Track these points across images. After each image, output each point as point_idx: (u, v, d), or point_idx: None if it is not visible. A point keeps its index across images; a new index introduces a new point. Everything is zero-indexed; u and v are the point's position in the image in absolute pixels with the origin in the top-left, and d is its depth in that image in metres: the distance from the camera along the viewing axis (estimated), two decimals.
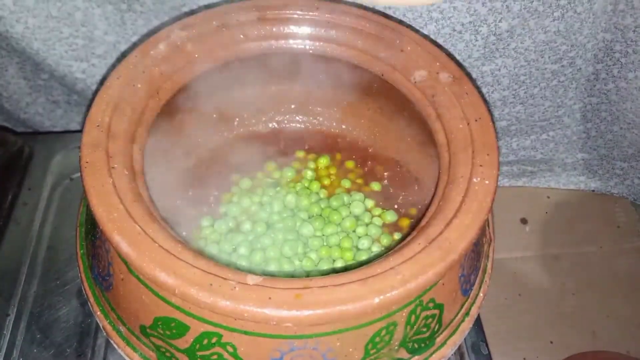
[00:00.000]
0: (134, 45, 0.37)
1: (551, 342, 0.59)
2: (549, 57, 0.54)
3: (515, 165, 0.68)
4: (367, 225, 0.42)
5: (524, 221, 0.67)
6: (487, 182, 0.31)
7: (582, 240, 0.66)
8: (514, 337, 0.59)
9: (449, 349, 0.33)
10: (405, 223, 0.43)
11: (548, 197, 0.70)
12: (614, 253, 0.65)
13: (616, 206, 0.69)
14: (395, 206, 0.44)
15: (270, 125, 0.48)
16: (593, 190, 0.70)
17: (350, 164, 0.46)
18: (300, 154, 0.46)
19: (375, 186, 0.45)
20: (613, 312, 0.61)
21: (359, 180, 0.45)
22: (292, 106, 0.47)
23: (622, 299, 0.62)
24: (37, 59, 0.53)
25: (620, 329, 0.60)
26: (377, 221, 0.43)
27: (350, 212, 0.42)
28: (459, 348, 0.43)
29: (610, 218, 0.68)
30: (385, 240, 0.41)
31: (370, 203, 0.44)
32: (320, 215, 0.42)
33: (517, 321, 0.60)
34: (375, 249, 0.41)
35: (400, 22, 0.40)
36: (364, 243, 0.41)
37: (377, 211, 0.43)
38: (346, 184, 0.45)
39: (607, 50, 0.54)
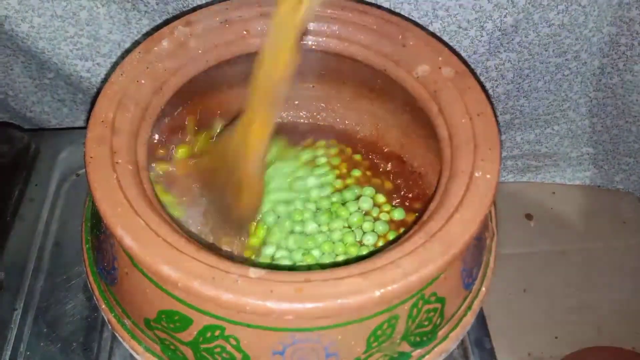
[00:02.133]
0: (138, 44, 0.37)
1: (556, 338, 0.59)
2: (554, 50, 0.53)
3: (519, 160, 0.68)
4: (374, 221, 0.42)
5: (529, 217, 0.67)
6: (488, 176, 0.31)
7: (587, 235, 0.66)
8: (519, 332, 0.59)
9: (451, 343, 0.33)
10: (411, 218, 0.43)
11: (553, 193, 0.69)
12: (620, 249, 0.65)
13: (622, 201, 0.68)
14: (403, 201, 0.44)
15: None
16: (599, 186, 0.70)
17: (357, 157, 0.46)
18: (309, 141, 0.46)
19: (387, 185, 0.44)
20: (618, 307, 0.61)
21: (368, 172, 0.46)
22: (296, 102, 0.47)
23: (627, 295, 0.62)
24: (42, 58, 0.54)
25: (626, 325, 0.60)
26: (384, 217, 0.43)
27: (358, 208, 0.42)
28: (463, 343, 0.43)
29: (616, 213, 0.68)
30: (392, 237, 0.41)
31: (381, 198, 0.43)
32: (329, 209, 0.42)
33: (522, 316, 0.60)
34: (381, 244, 0.41)
35: (405, 19, 0.40)
36: (369, 239, 0.41)
37: (387, 207, 0.43)
38: (356, 173, 0.44)
39: (613, 43, 0.54)
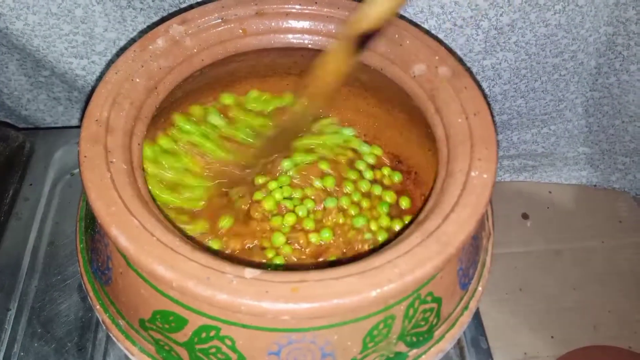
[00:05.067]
0: (134, 42, 0.37)
1: (552, 337, 0.59)
2: (550, 50, 0.53)
3: (516, 160, 0.68)
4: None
5: (525, 216, 0.67)
6: (485, 175, 0.31)
7: (583, 235, 0.66)
8: (515, 331, 0.59)
9: (447, 343, 0.33)
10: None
11: (549, 192, 0.69)
12: (616, 248, 0.65)
13: (618, 201, 0.69)
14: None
15: None
16: (595, 185, 0.70)
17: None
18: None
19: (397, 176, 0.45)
20: (614, 307, 0.61)
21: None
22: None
23: (623, 294, 0.62)
24: (37, 55, 0.53)
25: (622, 324, 0.60)
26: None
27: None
28: (459, 342, 0.43)
29: (612, 213, 0.68)
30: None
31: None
32: None
33: (518, 316, 0.60)
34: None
35: (400, 16, 0.40)
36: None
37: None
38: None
39: (609, 43, 0.54)
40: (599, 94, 0.59)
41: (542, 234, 0.66)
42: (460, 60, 0.37)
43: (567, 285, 0.62)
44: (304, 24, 0.40)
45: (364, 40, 0.35)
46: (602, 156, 0.66)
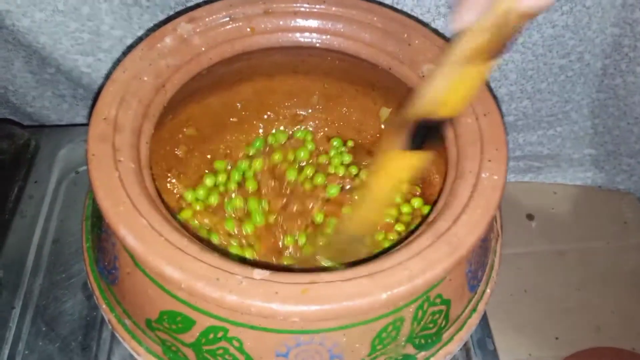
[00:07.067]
0: (140, 40, 0.37)
1: (556, 338, 0.59)
2: (557, 51, 0.53)
3: (521, 161, 0.68)
4: None
5: (530, 217, 0.67)
6: (495, 177, 0.31)
7: (588, 236, 0.66)
8: (520, 332, 0.59)
9: (455, 345, 0.33)
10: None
11: (555, 193, 0.69)
12: (620, 249, 0.65)
13: (623, 202, 0.68)
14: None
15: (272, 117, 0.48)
16: (600, 186, 0.69)
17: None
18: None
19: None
20: (618, 308, 0.61)
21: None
22: (297, 100, 0.47)
23: (627, 295, 0.62)
24: (43, 53, 0.53)
25: (626, 325, 0.60)
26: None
27: None
28: (465, 344, 0.43)
29: (616, 214, 0.68)
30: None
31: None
32: None
33: (522, 317, 0.60)
34: None
35: (409, 16, 0.39)
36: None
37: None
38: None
39: (616, 45, 0.53)
40: (604, 95, 0.59)
41: (547, 234, 0.66)
42: None
43: (572, 286, 0.62)
44: (312, 23, 0.39)
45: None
46: (607, 157, 0.66)
